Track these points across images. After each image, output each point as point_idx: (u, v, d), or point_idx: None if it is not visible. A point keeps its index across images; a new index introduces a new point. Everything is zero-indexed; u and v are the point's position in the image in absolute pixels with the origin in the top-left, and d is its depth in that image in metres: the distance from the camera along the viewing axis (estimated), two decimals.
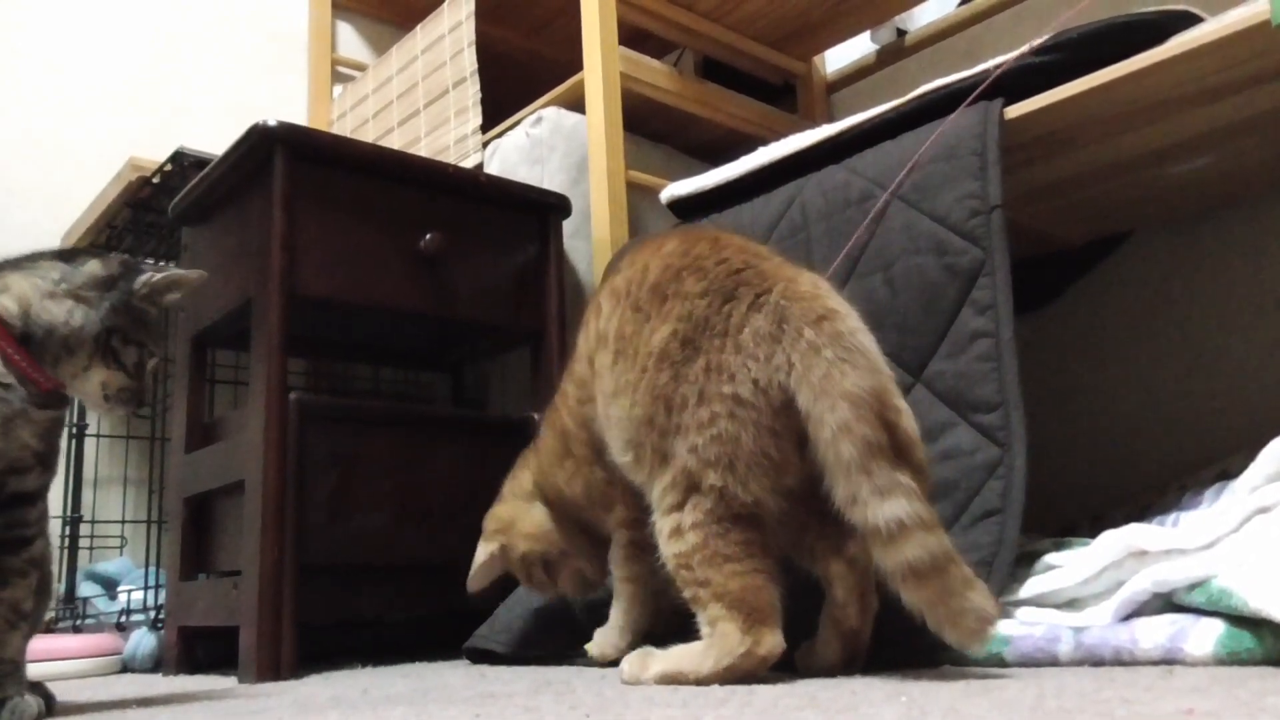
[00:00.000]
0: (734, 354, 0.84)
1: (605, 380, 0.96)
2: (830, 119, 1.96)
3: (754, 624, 0.81)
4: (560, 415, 1.09)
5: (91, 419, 1.93)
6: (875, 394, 0.79)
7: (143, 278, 0.98)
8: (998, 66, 1.13)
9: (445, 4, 1.92)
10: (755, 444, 0.82)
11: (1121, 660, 0.82)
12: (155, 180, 1.73)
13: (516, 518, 1.15)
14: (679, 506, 0.86)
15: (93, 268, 0.97)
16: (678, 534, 0.85)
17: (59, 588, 1.84)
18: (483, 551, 1.16)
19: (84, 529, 1.91)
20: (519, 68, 2.38)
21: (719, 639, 0.82)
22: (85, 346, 0.94)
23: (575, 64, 1.74)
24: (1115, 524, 0.93)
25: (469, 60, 1.84)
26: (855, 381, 0.78)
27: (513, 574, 1.16)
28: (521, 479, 1.17)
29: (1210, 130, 1.17)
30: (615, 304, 0.97)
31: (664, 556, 0.88)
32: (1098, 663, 0.83)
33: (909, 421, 0.81)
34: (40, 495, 0.96)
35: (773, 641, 0.81)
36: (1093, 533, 0.94)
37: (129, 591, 1.73)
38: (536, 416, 1.45)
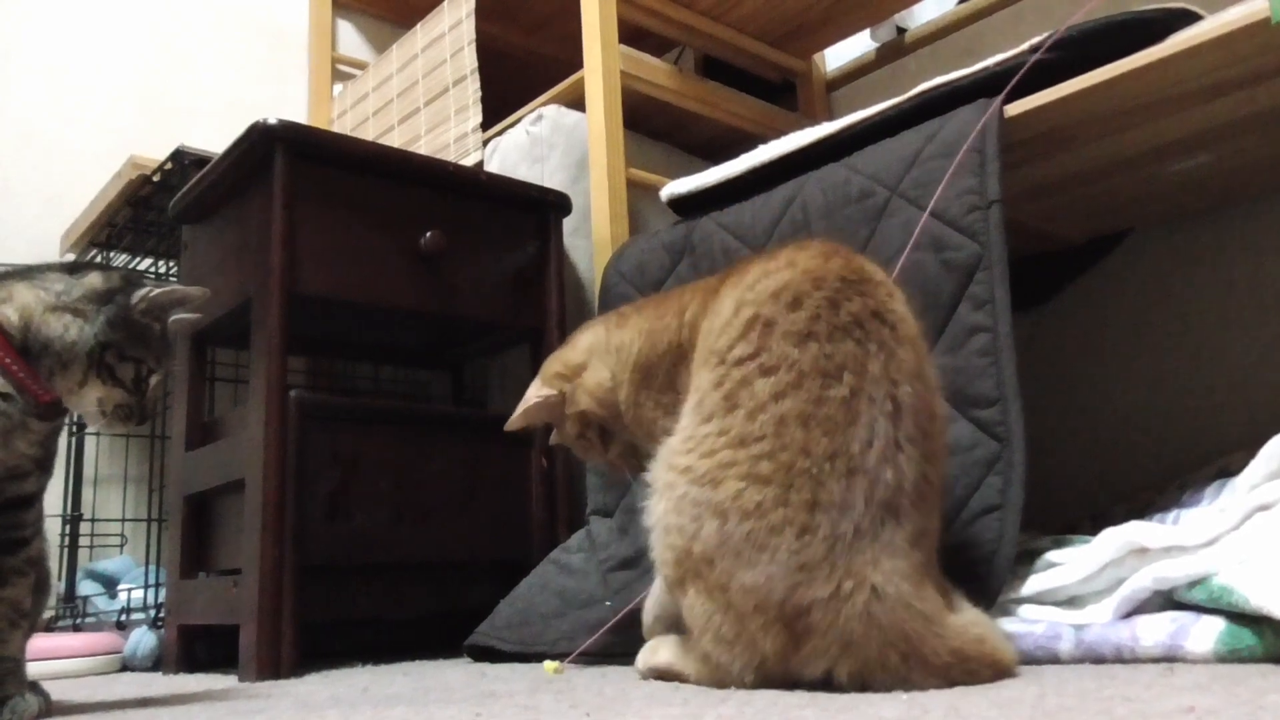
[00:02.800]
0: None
1: (689, 404, 0.86)
2: (830, 117, 1.97)
3: None
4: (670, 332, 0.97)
5: None
6: None
7: (140, 292, 0.96)
8: (999, 64, 1.13)
9: (445, 2, 1.92)
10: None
11: (1122, 658, 0.82)
12: (155, 179, 1.73)
13: (588, 368, 1.04)
14: (675, 586, 0.82)
15: (93, 280, 0.95)
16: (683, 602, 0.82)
17: (59, 586, 1.84)
18: (536, 392, 1.05)
19: (84, 527, 1.91)
20: (519, 66, 2.38)
21: (716, 664, 0.79)
22: (79, 361, 0.92)
23: (575, 62, 1.74)
24: (1115, 521, 0.93)
25: (469, 58, 1.84)
26: None
27: (555, 425, 1.08)
28: (609, 340, 1.05)
29: (1210, 128, 1.17)
30: (763, 338, 0.81)
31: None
32: (1098, 660, 0.83)
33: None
34: (38, 497, 0.96)
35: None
36: (1093, 530, 0.94)
37: (129, 590, 1.73)
38: None
